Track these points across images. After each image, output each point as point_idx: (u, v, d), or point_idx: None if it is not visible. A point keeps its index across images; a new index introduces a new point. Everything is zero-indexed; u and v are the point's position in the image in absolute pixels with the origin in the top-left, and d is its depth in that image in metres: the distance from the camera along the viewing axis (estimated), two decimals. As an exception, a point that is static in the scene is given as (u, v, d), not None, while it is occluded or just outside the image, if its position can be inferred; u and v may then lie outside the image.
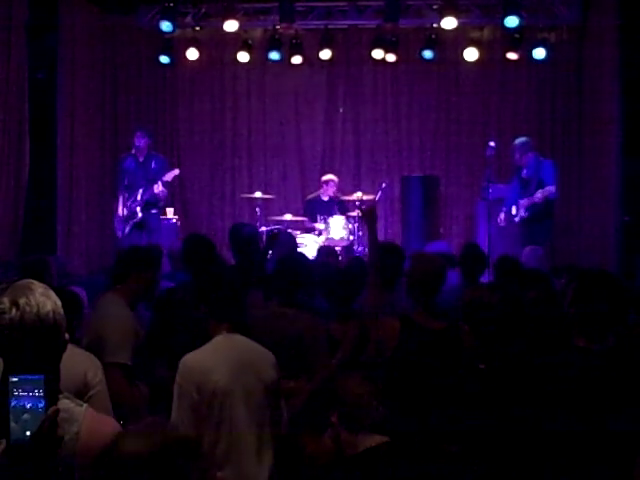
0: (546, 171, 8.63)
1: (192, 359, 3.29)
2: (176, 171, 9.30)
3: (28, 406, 1.81)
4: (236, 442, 3.24)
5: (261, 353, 3.43)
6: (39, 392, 1.81)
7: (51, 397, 1.83)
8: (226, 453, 3.24)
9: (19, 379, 1.82)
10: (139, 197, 9.02)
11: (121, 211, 9.04)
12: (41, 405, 1.81)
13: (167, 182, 9.11)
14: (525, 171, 8.67)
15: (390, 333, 3.73)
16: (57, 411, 1.81)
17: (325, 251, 7.14)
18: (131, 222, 9.05)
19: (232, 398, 3.24)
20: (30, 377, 1.82)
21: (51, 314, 1.93)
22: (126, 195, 9.05)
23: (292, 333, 3.99)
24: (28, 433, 1.80)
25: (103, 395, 3.05)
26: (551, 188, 8.47)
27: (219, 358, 3.29)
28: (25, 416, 1.80)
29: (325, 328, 4.21)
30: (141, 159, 9.15)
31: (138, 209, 9.00)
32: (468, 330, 3.42)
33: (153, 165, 9.12)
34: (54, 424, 1.81)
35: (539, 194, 8.42)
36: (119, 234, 9.14)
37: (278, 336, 3.87)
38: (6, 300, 1.91)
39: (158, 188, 9.01)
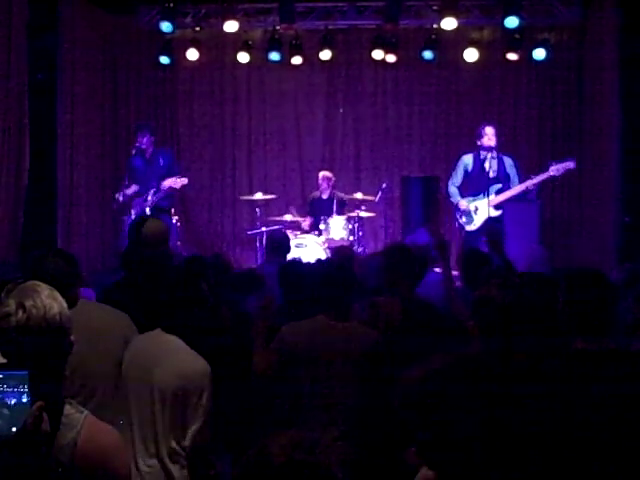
0: None
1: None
2: (184, 180, 9.15)
3: (13, 402, 1.80)
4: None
5: (179, 359, 3.17)
6: (24, 388, 1.81)
7: (36, 392, 1.82)
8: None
9: (4, 375, 1.82)
10: (150, 197, 9.00)
11: (121, 198, 9.02)
12: (25, 401, 1.81)
13: (172, 188, 9.06)
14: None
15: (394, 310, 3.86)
16: (42, 406, 1.80)
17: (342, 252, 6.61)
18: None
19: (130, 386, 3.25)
20: (15, 373, 1.81)
21: (57, 316, 1.93)
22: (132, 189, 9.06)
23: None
24: (14, 429, 1.80)
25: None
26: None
27: (137, 347, 3.33)
28: (10, 412, 1.80)
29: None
30: (147, 156, 9.13)
31: (147, 210, 8.95)
32: (472, 325, 3.44)
33: (161, 162, 9.08)
34: (39, 419, 1.80)
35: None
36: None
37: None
38: (12, 302, 1.90)
39: (175, 183, 8.95)
